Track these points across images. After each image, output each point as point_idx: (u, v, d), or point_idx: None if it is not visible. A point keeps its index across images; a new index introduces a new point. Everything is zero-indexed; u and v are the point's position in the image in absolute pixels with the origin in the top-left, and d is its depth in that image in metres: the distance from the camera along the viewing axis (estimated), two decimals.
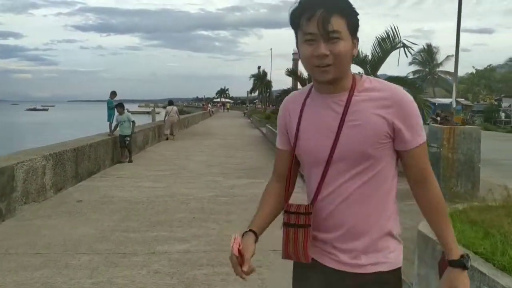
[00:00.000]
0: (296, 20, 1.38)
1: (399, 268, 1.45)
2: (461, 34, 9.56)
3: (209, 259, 4.47)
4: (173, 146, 15.70)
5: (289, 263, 1.57)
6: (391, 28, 9.87)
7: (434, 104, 26.06)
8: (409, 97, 1.40)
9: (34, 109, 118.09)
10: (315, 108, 1.46)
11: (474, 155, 6.29)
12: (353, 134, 1.37)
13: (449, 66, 45.97)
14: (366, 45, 14.52)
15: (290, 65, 22.13)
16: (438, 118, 17.90)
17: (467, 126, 7.09)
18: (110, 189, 8.00)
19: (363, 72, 9.80)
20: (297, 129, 1.49)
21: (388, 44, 10.03)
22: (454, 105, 8.77)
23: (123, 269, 4.19)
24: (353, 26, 1.36)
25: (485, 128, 21.42)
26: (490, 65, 50.06)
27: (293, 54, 40.10)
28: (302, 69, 30.87)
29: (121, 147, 11.37)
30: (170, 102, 19.33)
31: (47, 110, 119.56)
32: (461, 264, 1.38)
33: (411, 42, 10.60)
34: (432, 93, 43.80)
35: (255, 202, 7.12)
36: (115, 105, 11.76)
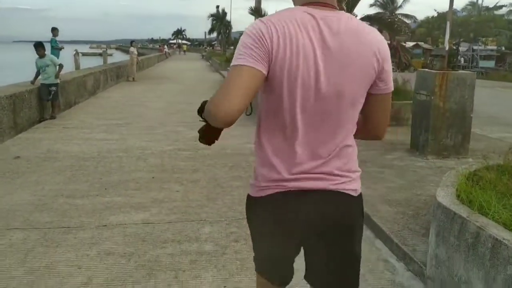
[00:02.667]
0: None
1: None
2: None
3: (174, 233, 3.71)
4: (127, 91, 14.45)
5: None
6: None
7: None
8: None
9: None
10: None
11: (466, 104, 5.67)
12: None
13: (408, 8, 45.69)
14: None
15: (252, 3, 20.44)
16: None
17: (460, 71, 6.46)
18: (54, 142, 6.96)
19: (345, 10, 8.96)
20: None
21: None
22: (447, 47, 8.06)
23: (66, 250, 3.37)
24: None
25: None
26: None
27: None
28: (266, 8, 29.31)
29: (43, 100, 8.76)
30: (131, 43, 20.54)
31: None
32: None
33: None
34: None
35: (222, 157, 6.38)
36: (34, 45, 9.08)
